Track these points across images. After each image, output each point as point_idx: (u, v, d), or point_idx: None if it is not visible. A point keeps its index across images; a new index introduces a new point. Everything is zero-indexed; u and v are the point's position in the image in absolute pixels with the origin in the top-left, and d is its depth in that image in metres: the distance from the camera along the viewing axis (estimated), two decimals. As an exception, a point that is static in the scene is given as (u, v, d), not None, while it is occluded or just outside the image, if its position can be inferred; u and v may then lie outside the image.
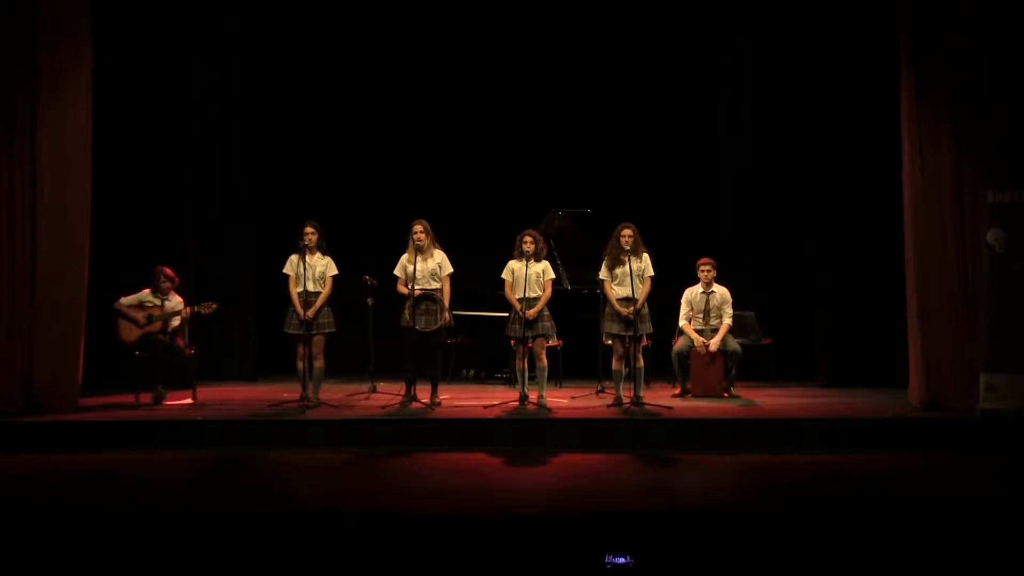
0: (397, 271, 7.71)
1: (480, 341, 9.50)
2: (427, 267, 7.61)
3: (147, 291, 8.03)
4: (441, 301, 7.61)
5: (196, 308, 7.96)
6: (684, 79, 10.55)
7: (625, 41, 10.53)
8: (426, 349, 7.69)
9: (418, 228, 7.64)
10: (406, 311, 7.55)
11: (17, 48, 7.43)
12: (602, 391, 8.38)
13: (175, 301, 8.06)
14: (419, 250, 7.61)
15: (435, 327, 7.59)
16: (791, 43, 9.82)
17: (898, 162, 7.75)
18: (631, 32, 10.49)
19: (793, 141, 9.90)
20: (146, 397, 7.90)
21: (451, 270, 7.71)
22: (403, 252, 7.73)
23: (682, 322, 8.38)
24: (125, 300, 8.00)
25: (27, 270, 7.43)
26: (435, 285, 7.63)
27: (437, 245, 7.73)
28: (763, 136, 10.22)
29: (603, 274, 7.70)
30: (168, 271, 8.06)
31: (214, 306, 8.02)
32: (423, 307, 7.58)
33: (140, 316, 7.96)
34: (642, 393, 7.57)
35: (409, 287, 7.55)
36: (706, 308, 8.35)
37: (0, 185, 7.39)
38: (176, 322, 8.02)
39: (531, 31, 10.50)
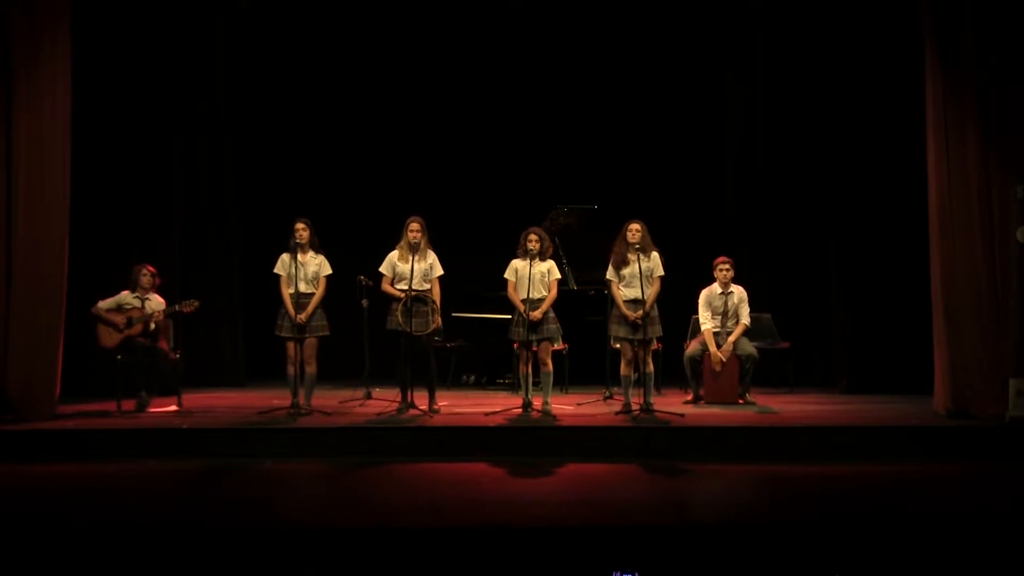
0: (384, 268, 7.59)
1: (481, 345, 9.52)
2: (419, 267, 7.46)
3: (126, 292, 7.91)
4: (433, 303, 7.50)
5: (177, 307, 7.84)
6: (693, 70, 10.59)
7: (632, 29, 10.47)
8: (419, 353, 7.54)
9: (415, 225, 7.52)
10: (398, 313, 7.39)
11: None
12: (610, 397, 8.26)
13: (155, 301, 7.93)
14: (414, 248, 7.44)
15: (429, 330, 7.47)
16: (806, 36, 9.73)
17: (921, 158, 7.71)
18: (638, 20, 10.41)
19: (810, 135, 9.85)
20: (128, 404, 7.74)
21: (441, 272, 7.61)
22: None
23: (706, 325, 8.22)
24: (103, 304, 7.84)
25: (2, 270, 7.25)
26: (426, 287, 7.51)
27: (429, 245, 7.57)
28: (777, 130, 10.18)
29: (610, 274, 7.57)
30: (150, 267, 7.95)
31: (196, 304, 7.89)
32: (415, 309, 7.39)
33: (120, 319, 7.81)
34: (652, 399, 7.44)
35: (406, 289, 7.42)
36: (724, 309, 8.25)
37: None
38: (158, 318, 7.83)
39: (534, 22, 10.47)
